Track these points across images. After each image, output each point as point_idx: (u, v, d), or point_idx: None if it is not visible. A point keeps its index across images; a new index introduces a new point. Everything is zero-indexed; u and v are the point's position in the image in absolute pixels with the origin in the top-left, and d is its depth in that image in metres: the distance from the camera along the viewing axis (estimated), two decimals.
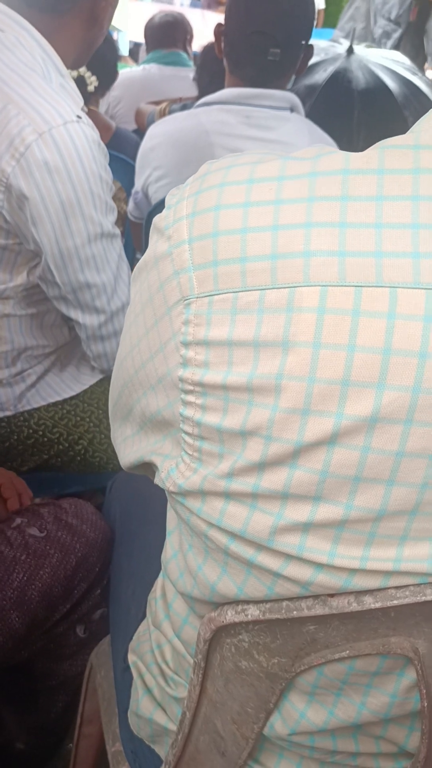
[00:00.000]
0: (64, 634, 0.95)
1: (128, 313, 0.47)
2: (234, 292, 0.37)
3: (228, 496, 0.40)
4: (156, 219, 0.42)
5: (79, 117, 0.92)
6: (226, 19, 1.33)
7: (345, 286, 0.34)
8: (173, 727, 0.59)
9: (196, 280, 0.38)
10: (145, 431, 0.48)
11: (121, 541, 0.93)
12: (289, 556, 0.39)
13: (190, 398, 0.40)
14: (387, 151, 0.37)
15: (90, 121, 0.95)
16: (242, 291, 0.36)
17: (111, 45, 1.96)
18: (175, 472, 0.43)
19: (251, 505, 0.39)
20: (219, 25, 1.35)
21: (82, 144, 0.91)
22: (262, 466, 0.38)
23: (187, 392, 0.40)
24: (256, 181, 0.38)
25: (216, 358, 0.38)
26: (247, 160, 0.40)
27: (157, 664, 0.59)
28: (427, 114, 0.41)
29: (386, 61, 2.69)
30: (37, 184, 0.89)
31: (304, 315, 0.35)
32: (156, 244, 0.42)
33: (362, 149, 0.39)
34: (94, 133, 0.95)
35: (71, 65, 1.07)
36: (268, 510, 0.39)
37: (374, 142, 0.40)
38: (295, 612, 0.40)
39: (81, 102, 1.02)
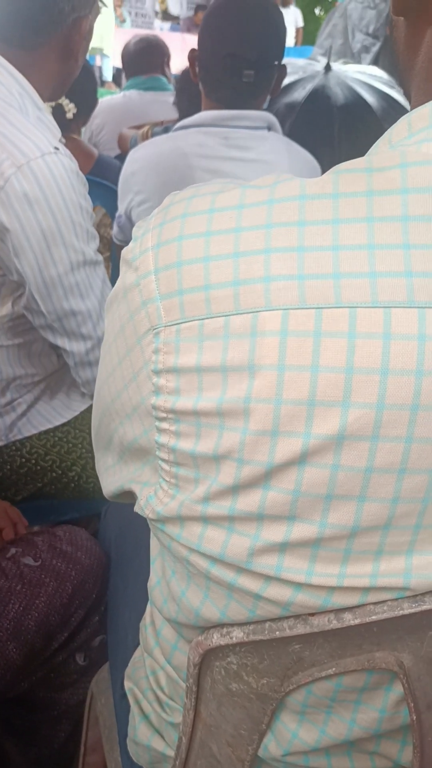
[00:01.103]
0: (64, 662, 0.94)
1: (103, 344, 0.48)
2: (200, 319, 0.37)
3: (206, 520, 0.40)
4: (124, 251, 0.43)
5: (56, 148, 0.94)
6: (199, 44, 1.35)
7: (305, 308, 0.35)
8: (171, 752, 0.58)
9: (163, 309, 0.39)
10: (125, 460, 0.48)
11: (117, 567, 0.93)
12: (268, 578, 0.39)
13: (164, 425, 0.40)
14: (341, 175, 0.38)
15: (68, 152, 0.97)
16: (207, 318, 0.37)
17: (89, 73, 1.99)
18: (153, 499, 0.43)
19: (228, 528, 0.39)
20: (193, 51, 1.38)
21: (60, 174, 0.92)
22: (236, 489, 0.38)
23: (160, 419, 0.41)
24: (216, 210, 0.39)
25: (186, 384, 0.38)
26: (209, 191, 0.41)
27: (153, 690, 0.59)
28: (380, 138, 0.42)
29: (364, 76, 2.73)
30: (18, 216, 0.90)
31: (268, 339, 0.36)
32: (124, 275, 0.42)
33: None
34: (72, 163, 0.96)
35: (48, 98, 1.08)
36: (245, 532, 0.39)
37: (356, 155, 0.41)
38: (277, 632, 0.40)
39: (58, 134, 1.03)
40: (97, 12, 1.09)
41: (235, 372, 0.36)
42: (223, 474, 0.38)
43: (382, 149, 0.41)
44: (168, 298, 0.39)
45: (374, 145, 0.43)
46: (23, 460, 1.14)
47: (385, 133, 0.42)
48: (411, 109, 0.44)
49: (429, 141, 0.38)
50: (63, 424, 1.17)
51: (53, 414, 1.16)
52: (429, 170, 0.36)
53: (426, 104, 0.40)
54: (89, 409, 1.21)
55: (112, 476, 0.52)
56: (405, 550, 0.38)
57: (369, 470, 0.36)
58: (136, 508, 0.46)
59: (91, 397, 1.18)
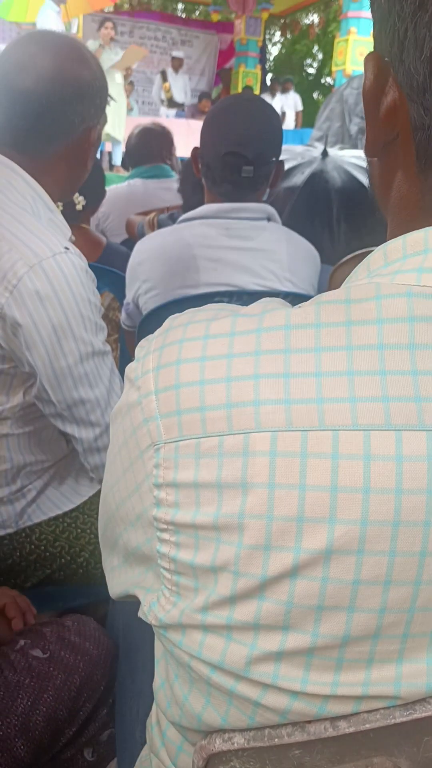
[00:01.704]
0: (72, 759, 0.93)
1: (108, 452, 0.51)
2: (196, 438, 0.40)
3: (205, 628, 0.42)
4: (127, 370, 0.47)
5: (66, 248, 1.00)
6: (201, 143, 1.44)
7: (292, 431, 0.38)
8: None
9: (163, 427, 0.42)
10: (130, 563, 0.50)
11: (125, 657, 0.92)
12: (265, 685, 0.41)
13: (165, 536, 0.43)
14: (323, 306, 0.41)
15: (77, 251, 1.03)
16: (203, 437, 0.40)
17: (97, 167, 2.10)
18: (156, 605, 0.45)
19: (227, 636, 0.41)
20: (195, 149, 1.47)
21: (70, 272, 0.98)
22: (233, 600, 0.40)
23: (161, 530, 0.43)
24: (210, 337, 0.42)
25: (185, 498, 0.41)
26: (204, 317, 0.44)
27: None
28: (360, 265, 0.46)
29: (359, 161, 2.85)
30: (30, 312, 0.95)
31: (258, 458, 0.38)
32: (128, 392, 0.46)
33: (343, 243, 0.44)
34: (81, 262, 1.02)
35: (58, 198, 1.16)
36: (243, 641, 0.40)
37: (354, 236, 0.45)
38: (276, 740, 0.40)
39: (68, 233, 1.10)
40: (105, 121, 1.18)
41: (229, 489, 0.39)
42: (220, 585, 0.40)
43: (361, 275, 0.45)
44: (167, 417, 0.42)
45: (353, 271, 0.47)
46: (33, 546, 1.15)
47: (364, 260, 0.46)
48: (387, 238, 0.48)
49: (402, 272, 0.42)
50: (72, 510, 1.19)
51: (62, 500, 1.18)
52: (401, 302, 0.40)
53: (399, 237, 0.44)
54: (98, 494, 1.23)
55: (117, 577, 0.53)
56: (395, 658, 0.39)
57: (356, 582, 0.37)
58: (140, 614, 0.48)
59: (99, 482, 1.20)
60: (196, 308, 0.46)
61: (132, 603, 0.98)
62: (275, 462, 0.38)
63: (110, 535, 0.52)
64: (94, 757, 0.95)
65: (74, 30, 8.16)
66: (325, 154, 2.79)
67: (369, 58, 0.46)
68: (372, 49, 0.47)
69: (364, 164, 2.78)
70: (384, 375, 0.38)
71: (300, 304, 0.43)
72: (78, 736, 0.91)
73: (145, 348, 0.46)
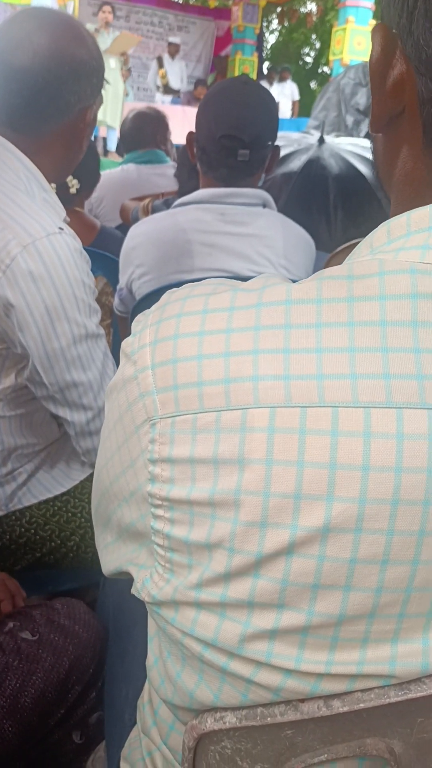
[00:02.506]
0: (61, 741, 0.92)
1: (103, 429, 0.50)
2: (193, 413, 0.40)
3: (199, 605, 0.42)
4: (123, 344, 0.46)
5: (61, 228, 0.98)
6: (197, 126, 1.43)
7: (291, 407, 0.37)
8: None
9: (159, 402, 0.41)
10: (123, 540, 0.50)
11: (114, 640, 0.92)
12: (259, 663, 0.40)
13: (159, 512, 0.42)
14: (324, 281, 0.41)
15: (72, 231, 1.01)
16: (200, 413, 0.39)
17: (92, 151, 2.08)
18: (149, 582, 0.45)
19: (221, 614, 0.41)
20: (191, 134, 1.45)
21: (64, 253, 0.96)
22: (227, 577, 0.40)
23: (156, 506, 0.42)
24: (209, 311, 0.41)
25: (180, 474, 0.40)
26: (202, 292, 0.43)
27: None
28: (362, 241, 0.45)
29: (356, 148, 2.85)
30: (23, 293, 0.94)
31: (256, 434, 0.38)
32: (124, 367, 0.45)
33: (340, 231, 0.44)
34: (75, 242, 1.00)
35: (53, 179, 1.14)
36: (237, 618, 0.40)
37: (351, 224, 0.44)
38: (269, 719, 0.40)
39: (63, 214, 1.09)
40: (101, 102, 1.16)
41: (226, 465, 0.38)
42: (215, 562, 0.40)
43: (363, 253, 0.45)
44: (164, 392, 0.41)
45: (356, 248, 0.46)
46: (23, 529, 1.14)
47: (367, 236, 0.46)
48: (390, 215, 0.47)
49: (405, 249, 0.41)
50: (62, 494, 1.18)
51: (53, 483, 1.17)
52: (405, 278, 0.39)
53: (404, 214, 0.43)
54: (89, 479, 1.22)
55: (110, 554, 0.53)
56: (390, 638, 0.39)
57: (353, 561, 0.37)
58: (133, 590, 0.48)
59: (91, 466, 1.19)
60: (195, 283, 0.46)
61: (122, 588, 0.98)
62: (273, 438, 0.37)
63: (103, 512, 0.52)
64: (82, 740, 0.94)
65: (69, 12, 8.06)
66: (321, 140, 2.78)
67: (376, 30, 0.45)
68: (373, 31, 0.46)
69: (362, 152, 2.77)
70: (386, 352, 0.37)
71: (301, 280, 0.43)
72: (67, 718, 0.91)
73: (141, 322, 0.45)
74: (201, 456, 0.39)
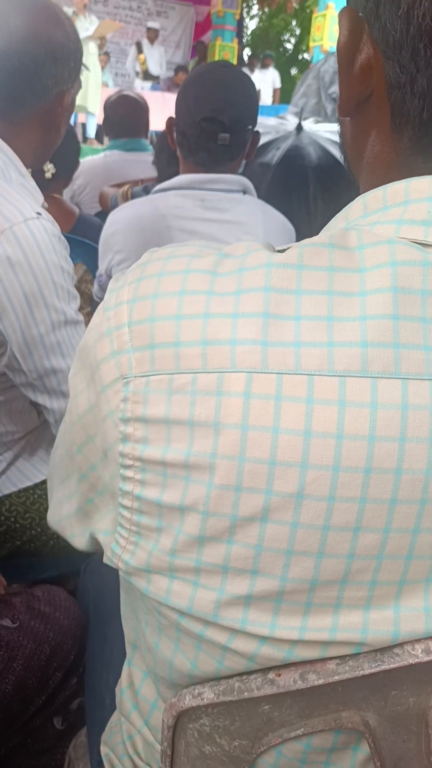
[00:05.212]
0: (42, 727, 0.93)
1: (72, 387, 0.49)
2: (169, 373, 0.40)
3: (173, 574, 0.42)
4: (101, 303, 0.46)
5: (39, 213, 0.97)
6: (176, 110, 1.42)
7: (268, 373, 0.38)
8: None
9: (134, 360, 0.41)
10: (86, 510, 0.50)
11: (95, 627, 0.92)
12: (234, 631, 0.41)
13: (129, 473, 0.42)
14: (306, 248, 0.41)
15: (50, 217, 1.01)
16: (176, 373, 0.39)
17: (72, 136, 2.06)
18: (117, 548, 0.44)
19: (194, 582, 0.41)
20: (170, 119, 1.44)
21: (42, 238, 0.96)
22: (202, 541, 0.40)
23: (126, 467, 0.42)
24: (191, 272, 0.41)
25: (154, 434, 0.40)
26: (186, 252, 0.43)
27: (129, 756, 0.59)
28: (337, 215, 0.45)
29: (334, 135, 2.84)
30: (0, 279, 0.93)
31: (233, 399, 0.38)
32: (99, 324, 0.44)
33: (320, 221, 0.44)
34: (54, 228, 1.00)
35: (31, 164, 1.13)
36: (211, 586, 0.40)
37: (331, 214, 0.45)
38: (246, 693, 0.41)
39: (41, 199, 1.07)
40: (79, 86, 1.15)
41: (201, 427, 0.39)
42: (188, 524, 0.40)
43: (339, 225, 0.45)
44: (140, 350, 0.41)
45: (332, 220, 0.47)
46: (2, 518, 1.14)
47: (342, 210, 0.46)
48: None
49: (381, 223, 0.42)
50: (42, 482, 1.17)
51: (33, 471, 1.17)
52: (382, 250, 0.39)
53: (380, 187, 0.44)
54: None
55: (76, 525, 0.52)
56: (362, 605, 0.39)
57: (326, 528, 0.38)
58: (105, 560, 0.47)
59: None
60: (179, 243, 0.45)
61: (102, 575, 0.98)
62: (249, 403, 0.38)
63: (66, 475, 0.51)
64: (63, 726, 0.95)
65: None
66: (299, 128, 2.77)
67: (343, 13, 0.45)
68: (341, 14, 0.46)
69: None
70: (364, 320, 0.38)
71: (282, 246, 0.42)
72: (48, 704, 0.91)
73: (120, 280, 0.45)
74: (176, 417, 0.39)
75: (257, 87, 1.48)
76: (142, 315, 0.41)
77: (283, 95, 10.89)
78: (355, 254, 0.40)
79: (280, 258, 0.41)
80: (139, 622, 0.49)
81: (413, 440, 0.37)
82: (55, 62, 1.02)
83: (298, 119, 2.81)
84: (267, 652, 0.41)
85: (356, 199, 0.45)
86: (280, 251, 0.43)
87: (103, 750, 0.64)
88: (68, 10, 7.11)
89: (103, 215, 2.17)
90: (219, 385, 0.38)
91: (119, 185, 2.25)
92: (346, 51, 0.45)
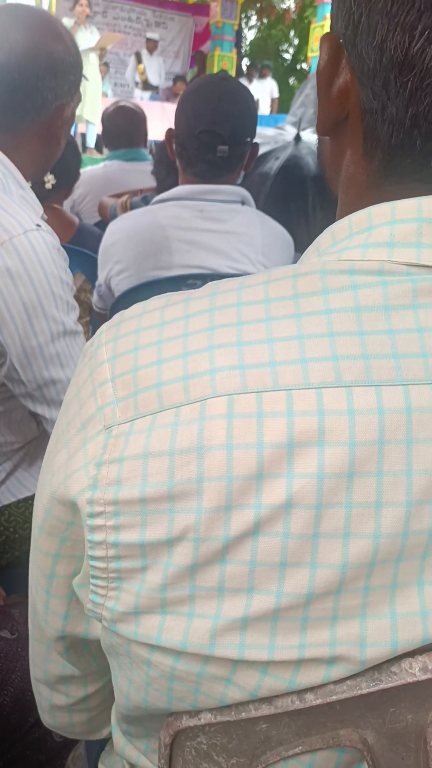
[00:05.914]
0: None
1: (55, 436, 0.48)
2: (153, 413, 0.40)
3: (164, 609, 0.41)
4: (78, 369, 0.47)
5: (38, 225, 0.98)
6: (176, 122, 1.43)
7: (248, 393, 0.39)
8: None
9: (119, 410, 0.42)
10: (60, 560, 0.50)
11: None
12: (234, 662, 0.40)
13: (99, 521, 0.42)
14: (271, 284, 0.43)
15: (49, 228, 1.01)
16: (160, 411, 0.40)
17: (73, 147, 2.07)
18: (97, 598, 0.44)
19: (188, 613, 0.41)
20: (170, 130, 1.45)
21: (42, 250, 0.96)
22: (194, 568, 0.40)
23: (95, 515, 0.42)
24: (166, 323, 0.43)
25: (129, 473, 0.40)
26: (156, 306, 0.45)
27: None
28: (310, 246, 0.48)
29: None
30: (0, 290, 0.93)
31: (216, 421, 0.39)
32: (81, 387, 0.45)
33: (319, 231, 0.46)
34: (53, 239, 1.00)
35: (31, 177, 1.14)
36: (206, 613, 0.40)
37: (329, 223, 0.46)
38: (243, 714, 0.41)
39: (40, 211, 1.08)
40: (79, 99, 1.15)
41: (183, 455, 0.39)
42: (177, 556, 0.40)
43: (311, 256, 0.47)
44: (124, 400, 0.42)
45: (305, 252, 0.48)
46: (1, 528, 1.14)
47: (314, 241, 0.48)
48: (337, 214, 0.50)
49: (348, 249, 0.44)
50: None
51: (32, 481, 1.17)
52: (344, 276, 0.42)
53: (346, 217, 0.46)
54: None
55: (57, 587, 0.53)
56: (358, 614, 0.39)
57: (316, 536, 0.38)
58: (87, 611, 0.46)
59: None
60: (144, 301, 0.47)
61: None
62: (232, 423, 0.39)
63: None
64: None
65: (45, 7, 8.00)
66: (298, 139, 2.78)
67: (324, 39, 0.47)
68: (322, 39, 0.48)
69: None
70: (332, 336, 0.40)
71: (249, 283, 0.44)
72: None
73: (95, 344, 0.46)
74: (155, 450, 0.40)
75: (255, 96, 1.49)
76: (125, 368, 0.43)
77: (281, 105, 10.94)
78: (317, 277, 0.42)
79: (249, 296, 0.43)
80: (122, 682, 0.47)
81: (392, 443, 0.38)
82: (55, 76, 1.03)
83: (296, 129, 2.83)
84: (269, 683, 0.40)
85: (325, 231, 0.47)
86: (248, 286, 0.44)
87: None
88: (69, 22, 7.16)
89: (102, 225, 2.18)
90: (201, 411, 0.39)
91: (118, 195, 2.26)
92: (326, 74, 0.47)
